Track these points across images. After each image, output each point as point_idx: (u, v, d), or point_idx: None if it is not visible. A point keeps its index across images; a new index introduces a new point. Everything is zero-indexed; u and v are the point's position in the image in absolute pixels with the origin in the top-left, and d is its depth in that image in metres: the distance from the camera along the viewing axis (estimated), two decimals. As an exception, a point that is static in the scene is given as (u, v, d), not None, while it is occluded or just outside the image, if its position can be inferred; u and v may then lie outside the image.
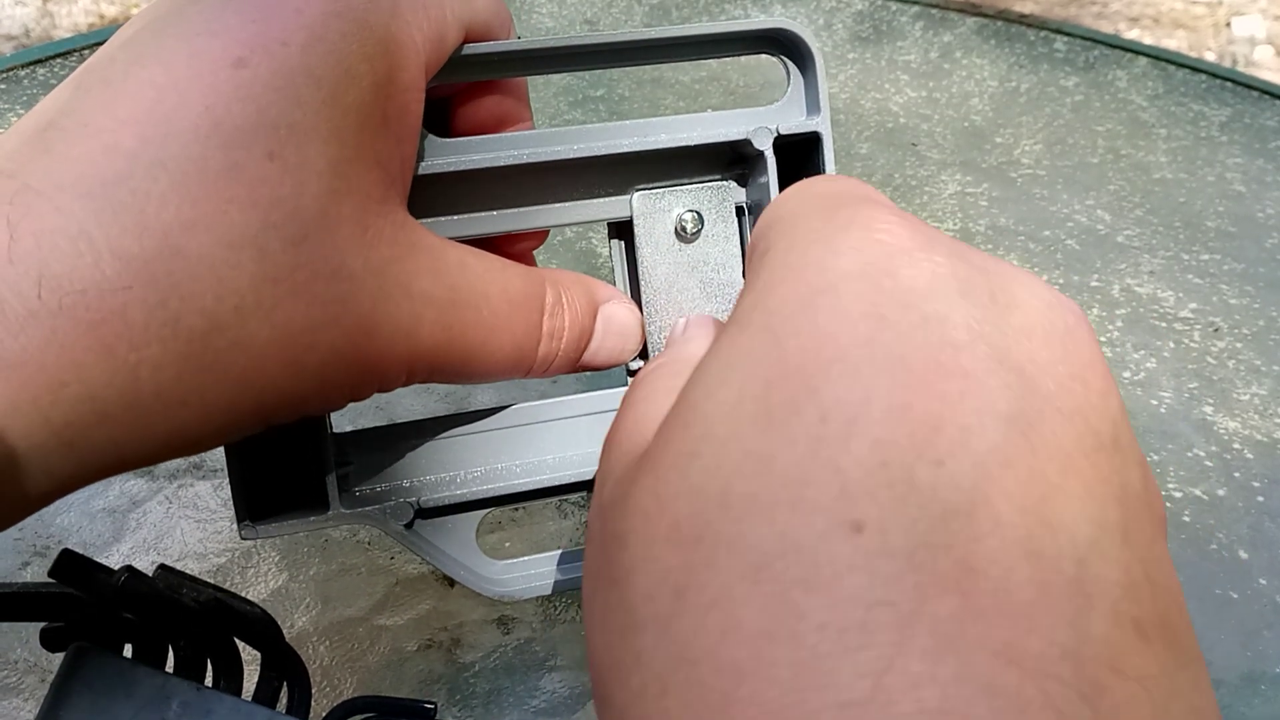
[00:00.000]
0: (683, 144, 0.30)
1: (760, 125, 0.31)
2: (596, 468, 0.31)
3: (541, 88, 0.64)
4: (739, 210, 0.33)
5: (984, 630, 0.14)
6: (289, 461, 0.29)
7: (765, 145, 0.31)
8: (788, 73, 0.31)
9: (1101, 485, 0.16)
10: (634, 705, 0.16)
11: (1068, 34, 0.73)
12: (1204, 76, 0.69)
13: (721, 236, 0.32)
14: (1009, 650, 0.14)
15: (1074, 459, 0.16)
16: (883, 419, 0.16)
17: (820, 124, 0.31)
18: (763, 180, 0.31)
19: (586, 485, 0.32)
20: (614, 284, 0.33)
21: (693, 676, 0.15)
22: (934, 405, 0.16)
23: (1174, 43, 1.92)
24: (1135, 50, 0.72)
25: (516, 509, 0.37)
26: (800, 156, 0.32)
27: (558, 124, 0.61)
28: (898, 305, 0.17)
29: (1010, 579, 0.15)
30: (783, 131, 0.31)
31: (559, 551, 0.32)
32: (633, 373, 0.33)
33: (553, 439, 0.32)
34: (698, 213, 0.32)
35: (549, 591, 0.32)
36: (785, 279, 0.18)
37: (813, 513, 0.15)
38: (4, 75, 0.61)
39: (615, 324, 0.31)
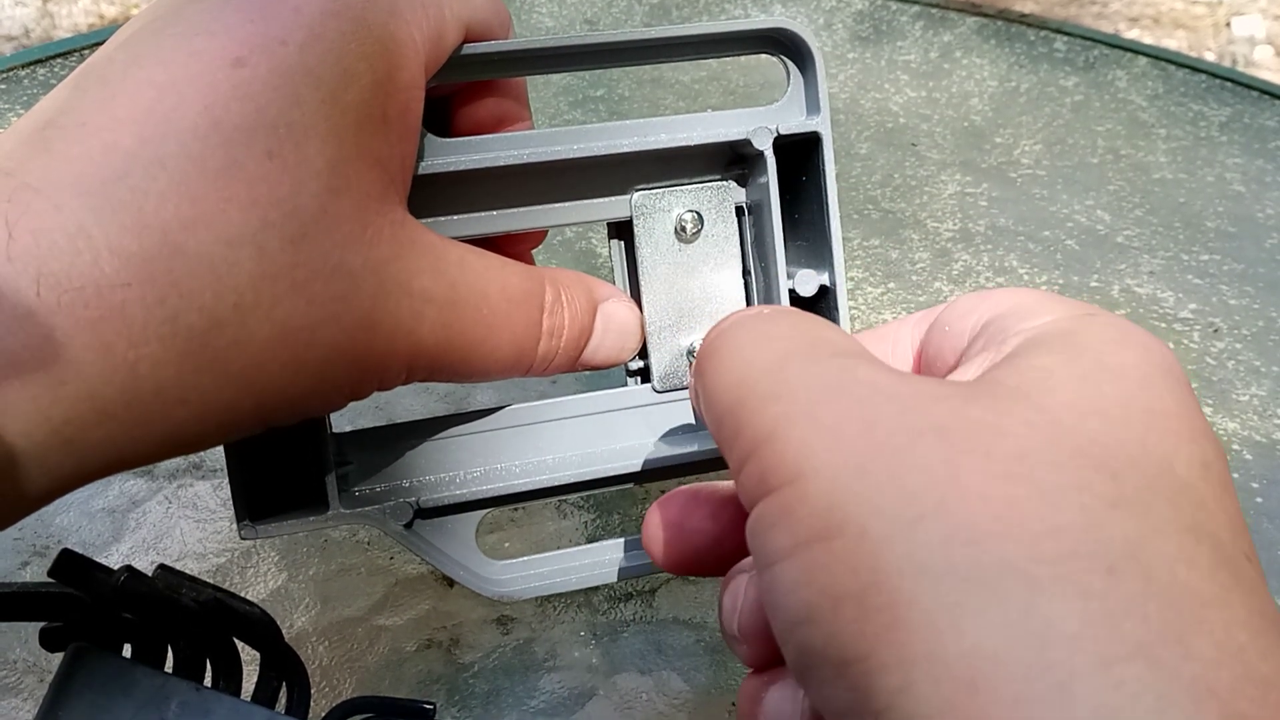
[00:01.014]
0: (682, 144, 0.30)
1: (760, 125, 0.31)
2: (596, 467, 0.31)
3: (541, 88, 0.64)
4: (739, 210, 0.33)
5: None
6: (289, 461, 0.29)
7: (765, 145, 0.31)
8: (787, 73, 0.31)
9: (1233, 508, 0.19)
10: (1059, 563, 0.17)
11: (1068, 34, 0.73)
12: (1204, 76, 0.69)
13: (721, 236, 0.32)
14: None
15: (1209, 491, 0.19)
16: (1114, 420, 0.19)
17: (820, 124, 0.31)
18: (762, 180, 0.31)
19: (586, 485, 0.32)
20: (613, 283, 0.33)
21: (1151, 576, 0.17)
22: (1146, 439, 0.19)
23: (1174, 42, 1.92)
24: (1135, 50, 0.72)
25: (516, 509, 0.38)
26: (800, 156, 0.32)
27: (558, 124, 0.61)
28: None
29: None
30: (782, 131, 0.31)
31: (558, 552, 0.32)
32: (632, 373, 0.33)
33: (552, 439, 0.32)
34: (698, 213, 0.32)
35: (548, 592, 0.32)
36: (1045, 375, 0.20)
37: (1224, 512, 0.19)
38: (4, 75, 0.61)
39: (615, 322, 0.31)
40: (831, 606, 0.17)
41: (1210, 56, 1.88)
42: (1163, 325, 0.49)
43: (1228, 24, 1.96)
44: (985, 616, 0.16)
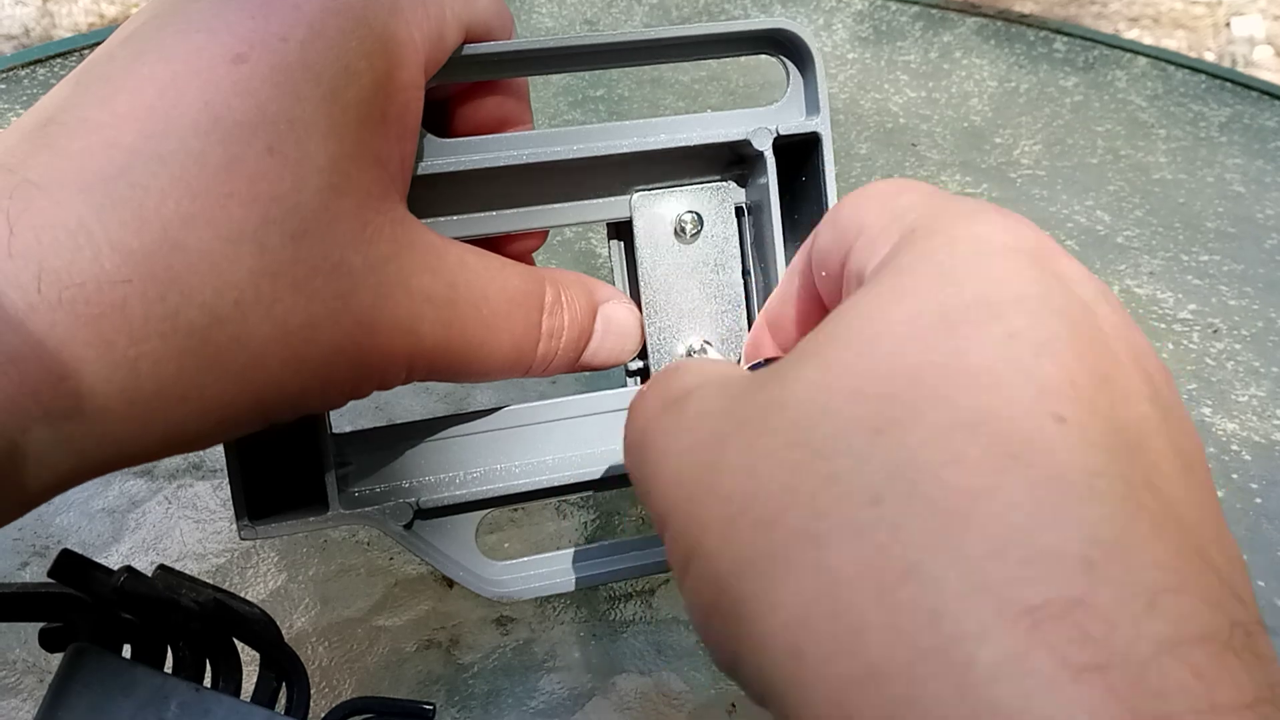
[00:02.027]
0: (682, 144, 0.30)
1: (760, 126, 0.31)
2: (596, 469, 0.31)
3: (541, 88, 0.64)
4: (738, 210, 0.33)
5: (1164, 509, 0.16)
6: (289, 462, 0.29)
7: (765, 146, 0.31)
8: (787, 73, 0.31)
9: (1196, 453, 0.19)
10: (833, 512, 0.17)
11: (1067, 34, 0.73)
12: (1203, 77, 0.69)
13: (721, 237, 0.32)
14: (1196, 550, 0.16)
15: (1178, 440, 0.18)
16: (1064, 351, 0.17)
17: (820, 124, 0.31)
18: (762, 181, 0.31)
19: (586, 485, 0.32)
20: (613, 284, 0.33)
21: (915, 490, 0.16)
22: (1102, 366, 0.17)
23: (1173, 43, 1.92)
24: (1135, 50, 0.72)
25: (516, 510, 0.38)
26: (800, 157, 0.32)
27: (557, 124, 0.61)
28: (1056, 281, 0.18)
29: (1182, 498, 0.17)
30: (782, 132, 0.31)
31: (558, 553, 0.32)
32: (632, 373, 0.33)
33: (552, 440, 0.32)
34: (697, 213, 0.32)
35: (548, 593, 0.32)
36: (947, 246, 0.19)
37: (1015, 397, 0.17)
38: (4, 75, 0.61)
39: (615, 323, 0.31)
40: (704, 622, 0.19)
41: (1210, 57, 1.88)
42: (1162, 326, 0.49)
43: (1227, 24, 1.96)
44: (788, 587, 0.17)
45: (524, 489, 0.31)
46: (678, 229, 0.32)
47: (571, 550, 0.32)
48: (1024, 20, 0.75)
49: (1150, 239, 0.55)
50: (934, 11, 0.75)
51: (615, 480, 0.32)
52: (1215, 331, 0.49)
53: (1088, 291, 0.19)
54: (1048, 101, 0.66)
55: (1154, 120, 0.65)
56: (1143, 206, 0.57)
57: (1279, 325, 0.49)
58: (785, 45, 0.31)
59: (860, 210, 0.22)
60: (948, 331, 0.18)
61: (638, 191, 0.32)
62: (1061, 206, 0.57)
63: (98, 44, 0.64)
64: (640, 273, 0.32)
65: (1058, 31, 0.73)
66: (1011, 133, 0.63)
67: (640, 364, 0.33)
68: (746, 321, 0.33)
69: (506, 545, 0.36)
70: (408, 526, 0.30)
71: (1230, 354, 0.48)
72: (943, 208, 0.21)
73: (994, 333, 0.17)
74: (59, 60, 0.62)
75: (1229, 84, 0.68)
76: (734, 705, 0.32)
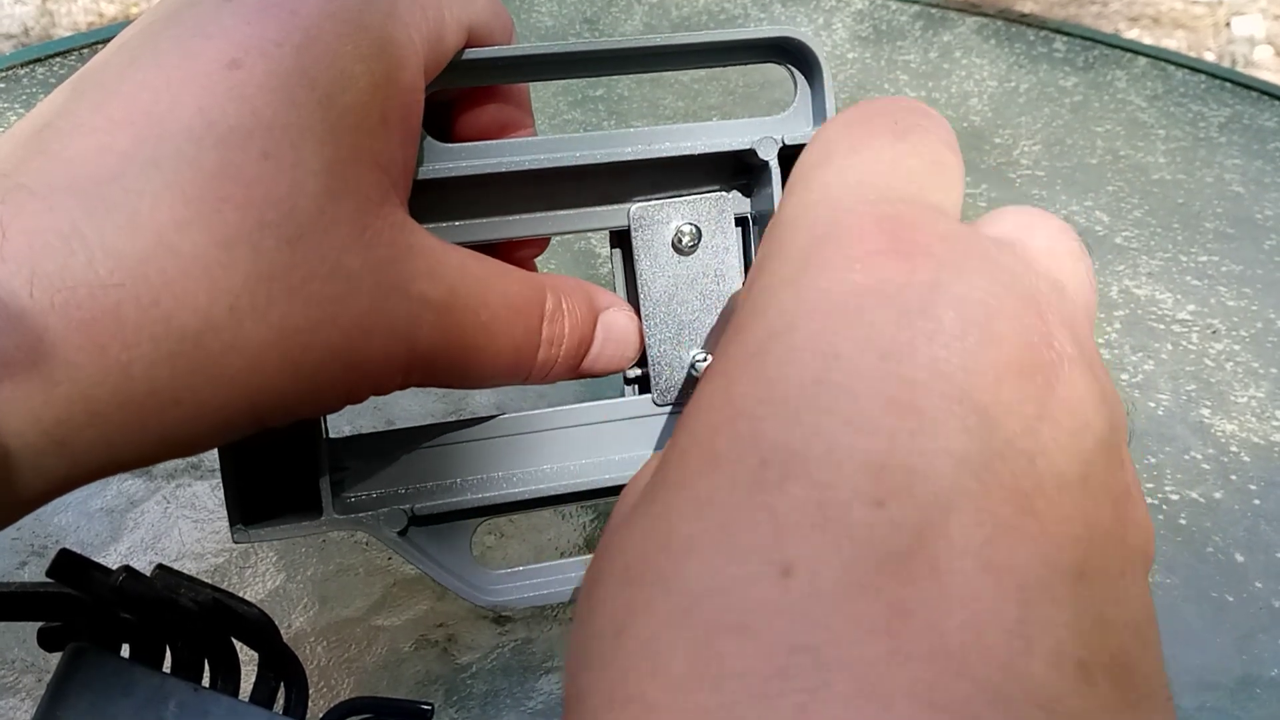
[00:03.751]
0: (686, 153, 0.30)
1: (765, 135, 0.30)
2: (593, 478, 0.31)
3: (540, 87, 0.64)
4: (742, 220, 0.32)
5: (910, 674, 0.14)
6: (283, 465, 0.29)
7: (770, 156, 0.30)
8: (795, 82, 0.31)
9: (1059, 525, 0.16)
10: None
11: (1067, 34, 0.73)
12: (1203, 77, 0.69)
13: (720, 249, 0.32)
14: (933, 693, 0.14)
15: (1032, 499, 0.16)
16: (822, 460, 0.15)
17: None
18: (767, 191, 0.31)
19: (583, 495, 0.32)
20: (613, 290, 0.32)
21: (622, 717, 0.15)
22: (879, 444, 0.16)
23: (1173, 43, 1.92)
24: (1134, 50, 0.72)
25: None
26: None
27: (557, 123, 0.61)
28: (853, 343, 0.17)
29: (944, 623, 0.14)
30: (788, 142, 0.30)
31: (554, 562, 0.32)
32: (630, 381, 0.33)
33: (551, 448, 0.32)
34: (695, 226, 0.31)
35: (543, 602, 0.31)
36: (747, 326, 0.18)
37: (745, 555, 0.15)
38: (4, 74, 0.61)
39: (615, 331, 0.31)
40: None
41: (1210, 57, 1.88)
42: (1161, 326, 0.49)
43: (1227, 24, 1.96)
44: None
45: (521, 497, 0.31)
46: (675, 241, 0.31)
47: (567, 560, 0.32)
48: (1024, 20, 0.75)
49: (1149, 239, 0.55)
50: (934, 11, 0.75)
51: (614, 490, 0.32)
52: (1214, 332, 0.49)
53: (940, 290, 0.17)
54: (1047, 101, 0.66)
55: (1153, 120, 0.65)
56: (1142, 207, 0.57)
57: (1278, 326, 0.49)
58: (793, 54, 0.31)
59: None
60: (710, 465, 0.17)
61: (636, 204, 0.31)
62: (1061, 207, 0.57)
63: (97, 43, 0.64)
64: (640, 285, 0.32)
65: (1057, 31, 0.73)
66: (1011, 133, 0.63)
67: (638, 371, 0.33)
68: None
69: (506, 546, 0.36)
70: (402, 533, 0.30)
71: (1229, 355, 0.48)
72: (794, 208, 0.20)
73: (748, 459, 0.16)
74: (58, 59, 0.62)
75: (1229, 84, 0.68)
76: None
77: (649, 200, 0.31)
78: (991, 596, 0.15)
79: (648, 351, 0.32)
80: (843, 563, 0.15)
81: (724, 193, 0.32)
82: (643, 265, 0.31)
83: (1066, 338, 0.18)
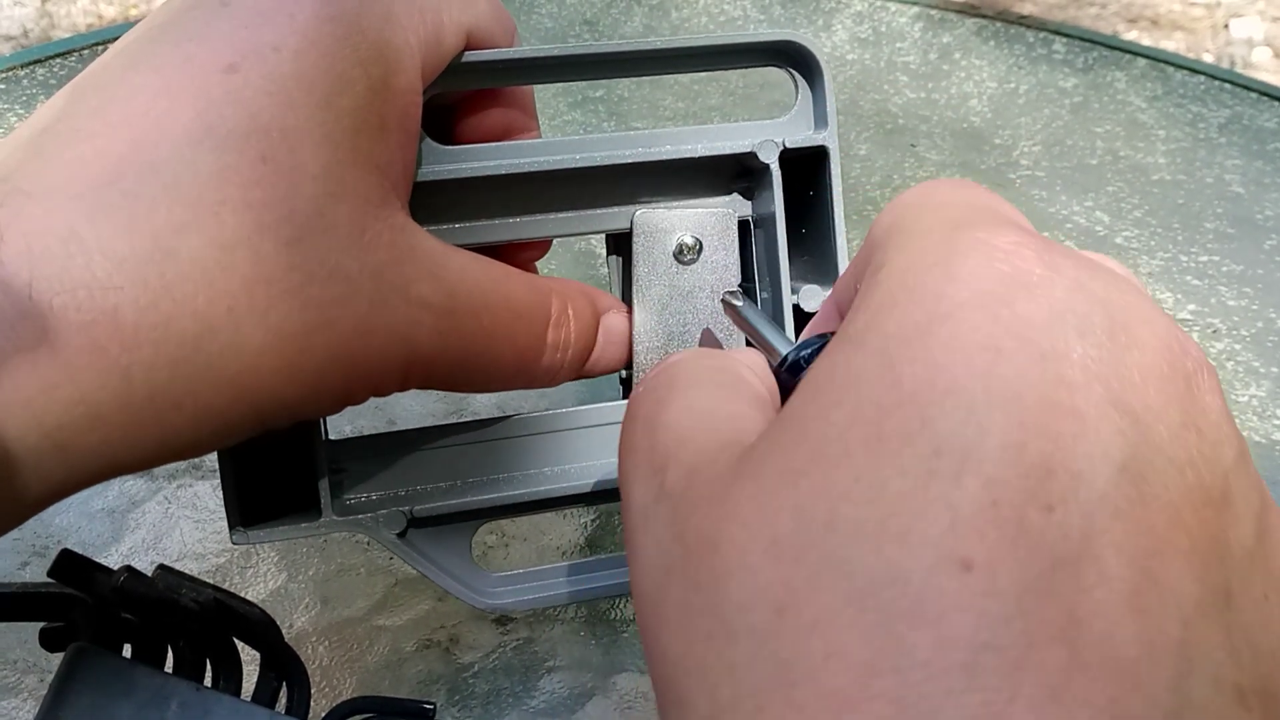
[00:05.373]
0: (687, 156, 0.30)
1: (766, 138, 0.30)
2: (594, 480, 0.31)
3: (540, 88, 0.64)
4: (743, 224, 0.32)
5: (1090, 685, 0.14)
6: (282, 467, 0.29)
7: (771, 159, 0.30)
8: (796, 85, 0.31)
9: (1209, 542, 0.16)
10: (723, 717, 0.16)
11: (1066, 35, 0.73)
12: (1202, 78, 0.69)
13: (720, 264, 0.32)
14: (1114, 708, 0.14)
15: (1182, 513, 0.16)
16: (996, 457, 0.15)
17: (828, 138, 0.31)
18: (768, 194, 0.31)
19: (584, 499, 0.32)
20: (608, 291, 0.32)
21: (793, 699, 0.15)
22: (1047, 447, 0.15)
23: (1172, 44, 1.92)
24: (1134, 51, 0.72)
25: (516, 510, 0.37)
26: (807, 171, 0.32)
27: (556, 124, 0.61)
28: (1014, 339, 0.16)
29: (1116, 634, 0.14)
30: (789, 145, 0.30)
31: (553, 565, 0.32)
32: (624, 381, 0.33)
33: (550, 451, 0.32)
34: (698, 238, 0.31)
35: (543, 605, 0.31)
36: (901, 302, 0.18)
37: (922, 546, 0.15)
38: (3, 75, 0.61)
39: (615, 334, 0.31)
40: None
41: (1209, 58, 1.88)
42: (1161, 326, 0.49)
43: (1226, 25, 1.96)
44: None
45: (522, 500, 0.31)
46: (677, 252, 0.31)
47: (567, 564, 0.32)
48: (1023, 21, 0.75)
49: (1149, 240, 0.55)
50: (933, 13, 0.75)
51: (614, 493, 0.32)
52: (1215, 332, 0.49)
53: (1089, 303, 0.17)
54: (1047, 102, 0.66)
55: (1153, 121, 0.65)
56: (1142, 207, 0.57)
57: (1278, 325, 0.50)
58: (794, 57, 0.31)
59: (878, 220, 0.21)
60: (876, 447, 0.16)
61: (640, 210, 0.31)
62: (1061, 207, 0.57)
63: (96, 45, 0.64)
64: (635, 290, 0.31)
65: (1057, 33, 0.73)
66: (1011, 134, 0.63)
67: (624, 373, 0.33)
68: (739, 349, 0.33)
69: (508, 546, 0.36)
70: (401, 535, 0.30)
71: (1230, 354, 0.48)
72: (916, 225, 0.19)
73: (921, 448, 0.16)
74: (58, 60, 0.62)
75: (1228, 85, 0.68)
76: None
77: (652, 206, 0.31)
78: (1157, 612, 0.15)
79: (634, 357, 0.32)
80: (1019, 564, 0.15)
81: (729, 207, 0.32)
82: (640, 271, 0.31)
83: (1193, 346, 0.18)
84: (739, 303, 0.28)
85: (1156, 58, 0.71)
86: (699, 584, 0.17)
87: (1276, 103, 0.67)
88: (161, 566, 0.26)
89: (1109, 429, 0.16)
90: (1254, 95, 0.68)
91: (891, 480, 0.16)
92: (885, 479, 0.16)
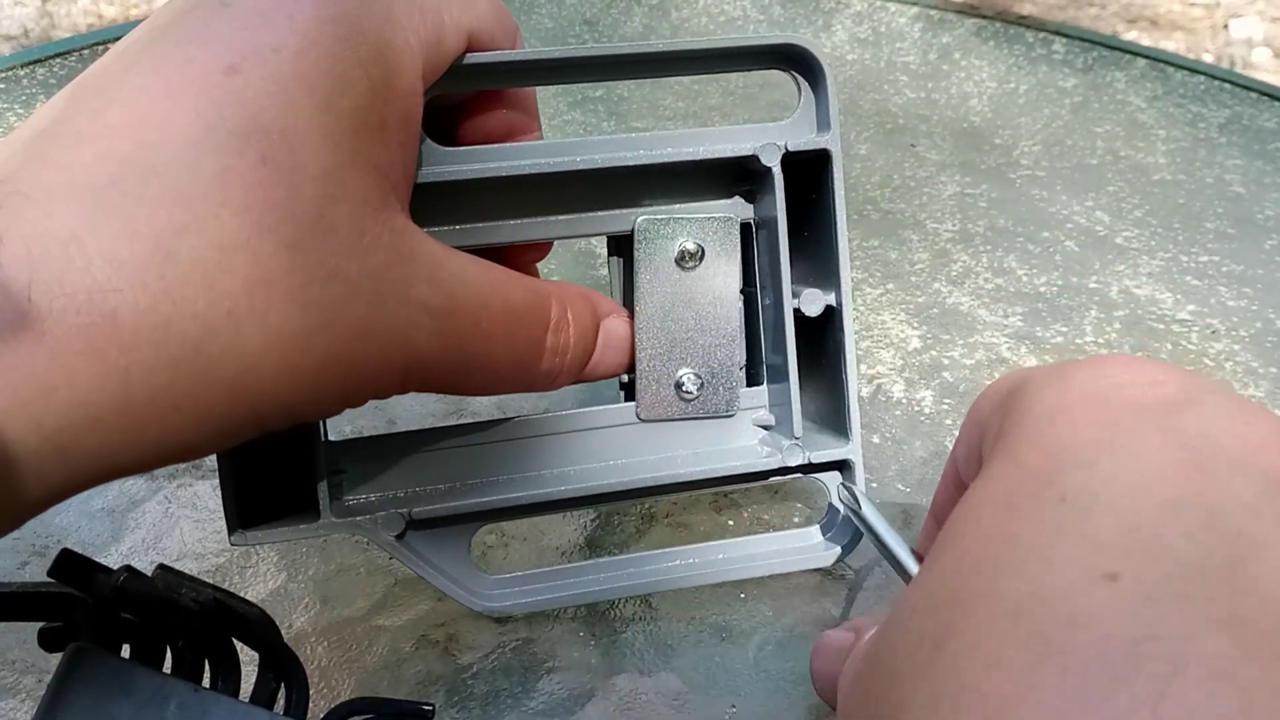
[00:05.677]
0: (689, 158, 0.30)
1: (768, 141, 0.30)
2: (594, 483, 0.31)
3: (540, 89, 0.64)
4: (745, 227, 0.32)
5: (1264, 672, 0.15)
6: (281, 468, 0.29)
7: (773, 162, 0.30)
8: (798, 88, 0.31)
9: None
10: None
11: (1066, 35, 0.73)
12: (1202, 78, 0.69)
13: (722, 271, 0.32)
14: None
15: None
16: (1126, 494, 0.17)
17: (830, 141, 0.31)
18: (770, 197, 0.31)
19: (583, 501, 0.32)
20: (608, 294, 0.32)
21: (958, 708, 0.16)
22: (1177, 491, 0.17)
23: (1172, 44, 1.92)
24: (1133, 52, 0.72)
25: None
26: (810, 173, 0.31)
27: (557, 124, 0.61)
28: (1131, 414, 0.19)
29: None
30: (791, 148, 0.30)
31: (552, 567, 0.32)
32: (624, 385, 0.33)
33: (550, 453, 0.32)
34: (700, 244, 0.31)
35: (541, 608, 0.31)
36: (1024, 418, 0.20)
37: (1065, 565, 0.17)
38: (3, 75, 0.61)
39: (615, 338, 0.31)
40: None
41: (1208, 58, 1.88)
42: (1161, 326, 0.49)
43: (1225, 26, 1.96)
44: None
45: (521, 502, 0.31)
46: (679, 258, 0.31)
47: (566, 567, 0.32)
48: (1023, 21, 0.75)
49: (1149, 240, 0.55)
50: (933, 13, 0.75)
51: (612, 496, 0.32)
52: (1214, 332, 0.49)
53: (1192, 397, 0.19)
54: (1047, 102, 0.66)
55: (1153, 121, 0.65)
56: (1142, 207, 0.57)
57: (1278, 326, 0.50)
58: (796, 60, 0.31)
59: (977, 407, 0.24)
60: (1008, 513, 0.18)
61: (642, 215, 0.31)
62: (1061, 207, 0.57)
63: (96, 45, 0.64)
64: (637, 296, 0.31)
65: (1056, 33, 0.73)
66: (1011, 134, 0.63)
67: (625, 377, 0.33)
68: (740, 358, 0.33)
69: (508, 547, 0.36)
70: (400, 537, 0.29)
71: (1229, 355, 0.48)
72: (1032, 375, 0.22)
73: (1047, 498, 0.18)
74: (58, 61, 0.62)
75: (1228, 85, 0.68)
76: (734, 705, 0.32)
77: (655, 211, 0.31)
78: None
79: (636, 364, 0.32)
80: (1165, 572, 0.16)
81: (730, 210, 0.32)
82: (642, 277, 0.31)
83: None
84: (861, 507, 0.31)
85: (1156, 58, 0.71)
86: (873, 662, 0.20)
87: (1276, 103, 0.67)
88: (161, 566, 0.26)
89: (1239, 480, 0.17)
90: (1254, 95, 0.68)
91: (1025, 529, 0.18)
92: (1019, 529, 0.18)
